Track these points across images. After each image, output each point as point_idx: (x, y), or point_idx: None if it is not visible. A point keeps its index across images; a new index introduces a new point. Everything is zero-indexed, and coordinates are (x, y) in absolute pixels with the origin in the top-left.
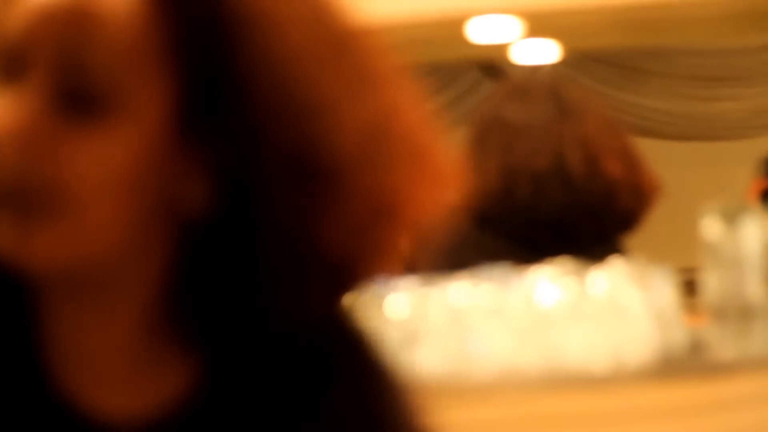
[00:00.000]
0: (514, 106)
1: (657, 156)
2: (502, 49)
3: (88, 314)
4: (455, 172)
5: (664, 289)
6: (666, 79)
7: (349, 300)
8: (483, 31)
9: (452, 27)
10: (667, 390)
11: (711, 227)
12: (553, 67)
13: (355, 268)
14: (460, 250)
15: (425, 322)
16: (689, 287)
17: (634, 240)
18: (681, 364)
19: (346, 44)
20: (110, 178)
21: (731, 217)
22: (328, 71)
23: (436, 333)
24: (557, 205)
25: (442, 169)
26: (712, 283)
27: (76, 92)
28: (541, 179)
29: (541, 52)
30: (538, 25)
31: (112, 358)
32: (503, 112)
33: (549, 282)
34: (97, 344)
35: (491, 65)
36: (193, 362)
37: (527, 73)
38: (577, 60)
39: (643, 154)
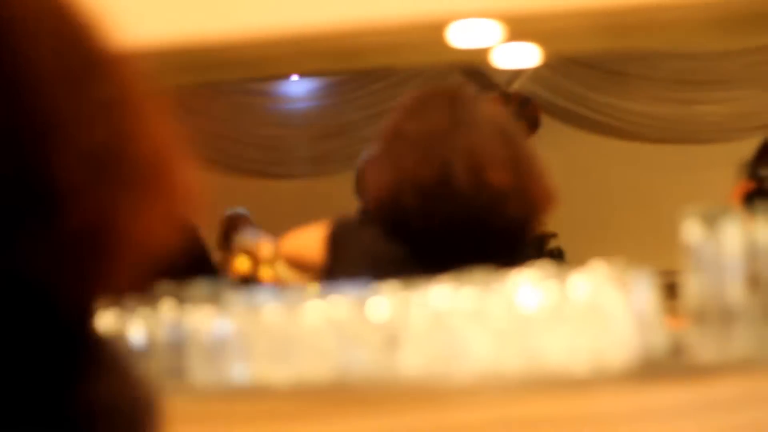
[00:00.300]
0: (412, 118)
1: (639, 159)
2: (483, 53)
3: None
4: (195, 196)
5: (645, 292)
6: (647, 83)
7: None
8: (464, 35)
9: (433, 31)
10: (647, 393)
11: (692, 230)
12: (535, 70)
13: (74, 291)
14: (364, 260)
15: (407, 324)
16: (670, 290)
17: (616, 243)
18: (662, 367)
19: (94, 67)
20: None
21: (712, 220)
22: (65, 93)
23: (418, 336)
24: (444, 216)
25: (179, 194)
26: (693, 286)
27: None
28: (427, 190)
29: (522, 56)
30: (520, 29)
31: None
32: (401, 124)
33: (530, 285)
34: None
35: (473, 69)
36: None
37: (431, 85)
38: (558, 63)
39: (625, 158)
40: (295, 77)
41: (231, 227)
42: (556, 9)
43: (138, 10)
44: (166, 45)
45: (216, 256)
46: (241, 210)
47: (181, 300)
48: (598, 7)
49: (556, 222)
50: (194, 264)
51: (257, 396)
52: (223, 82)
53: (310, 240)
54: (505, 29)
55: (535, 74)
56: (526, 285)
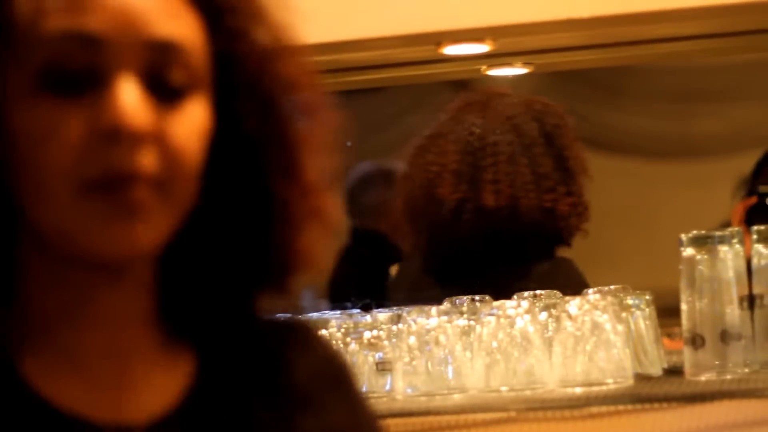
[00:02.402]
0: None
1: (635, 175)
2: (475, 63)
3: (96, 306)
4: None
5: (641, 313)
6: (643, 97)
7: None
8: (455, 48)
9: (425, 47)
10: (644, 416)
11: (689, 251)
12: (529, 86)
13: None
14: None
15: (400, 348)
16: (667, 311)
17: (612, 260)
18: (658, 390)
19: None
20: (198, 148)
21: (710, 240)
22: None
23: (411, 359)
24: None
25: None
26: (690, 308)
27: (163, 87)
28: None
29: (514, 71)
30: (511, 44)
31: (112, 359)
32: None
33: (524, 308)
34: (97, 342)
35: (466, 85)
36: (183, 359)
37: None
38: (552, 78)
39: (621, 173)
40: None
41: None
42: (548, 23)
43: None
44: None
45: None
46: None
47: None
48: (590, 22)
49: None
50: None
51: None
52: None
53: None
54: (494, 48)
55: (529, 90)
56: (520, 308)
